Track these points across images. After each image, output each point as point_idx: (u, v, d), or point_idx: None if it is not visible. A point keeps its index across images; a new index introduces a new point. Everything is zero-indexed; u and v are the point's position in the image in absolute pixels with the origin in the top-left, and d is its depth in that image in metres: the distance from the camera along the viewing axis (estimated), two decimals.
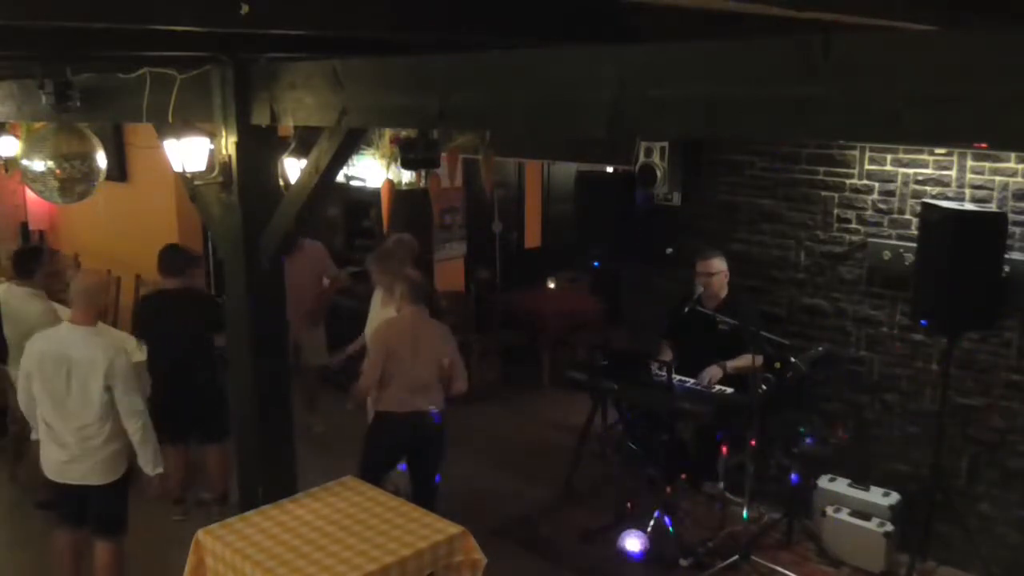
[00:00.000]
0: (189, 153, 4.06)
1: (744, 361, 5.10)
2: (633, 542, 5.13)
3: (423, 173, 7.13)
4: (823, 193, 5.26)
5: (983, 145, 4.31)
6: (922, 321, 4.62)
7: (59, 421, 4.25)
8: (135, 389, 4.31)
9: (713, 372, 5.22)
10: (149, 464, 4.35)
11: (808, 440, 5.19)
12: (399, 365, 4.75)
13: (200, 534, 3.88)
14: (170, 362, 5.39)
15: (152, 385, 5.42)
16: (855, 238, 5.17)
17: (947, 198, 4.75)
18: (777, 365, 4.92)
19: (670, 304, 5.60)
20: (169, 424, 5.41)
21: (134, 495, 5.77)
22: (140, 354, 6.44)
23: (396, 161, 6.53)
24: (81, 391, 4.19)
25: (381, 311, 5.36)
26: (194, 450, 5.72)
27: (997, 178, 4.62)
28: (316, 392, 6.90)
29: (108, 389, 4.19)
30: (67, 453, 4.26)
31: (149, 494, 4.48)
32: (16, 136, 6.28)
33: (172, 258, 5.55)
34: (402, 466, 5.10)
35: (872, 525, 4.90)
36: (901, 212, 4.99)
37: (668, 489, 5.22)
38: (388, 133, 6.74)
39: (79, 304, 4.27)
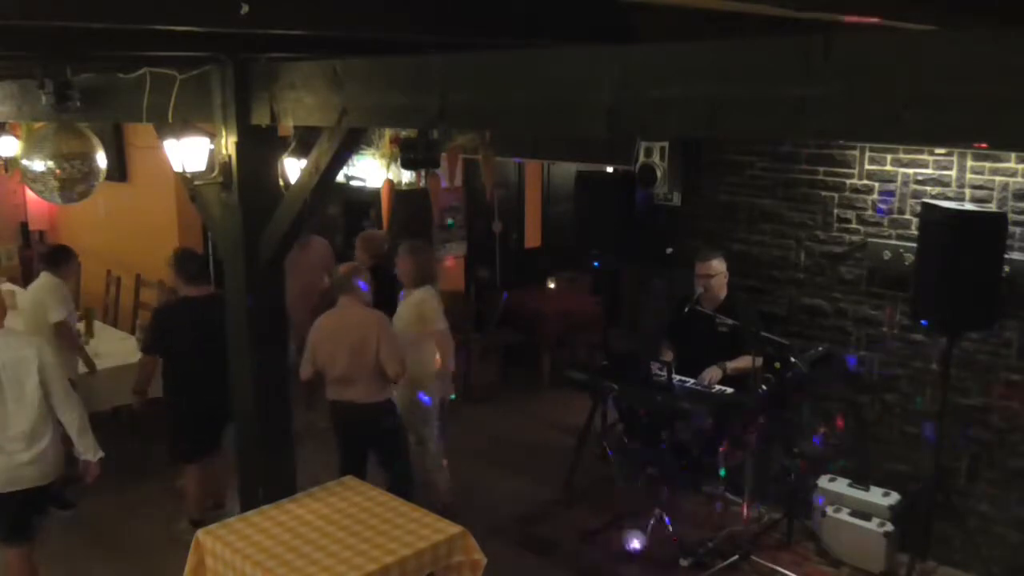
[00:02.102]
0: (189, 153, 4.06)
1: (744, 362, 5.11)
2: (633, 542, 5.13)
3: (423, 173, 7.12)
4: (823, 193, 5.27)
5: (983, 145, 4.30)
6: (922, 321, 4.62)
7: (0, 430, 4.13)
8: (66, 378, 4.30)
9: (713, 373, 5.22)
10: (91, 450, 4.29)
11: (814, 439, 5.19)
12: (325, 358, 4.94)
13: (200, 534, 3.88)
14: (200, 376, 5.03)
15: (174, 400, 5.25)
16: (855, 238, 5.17)
17: (947, 198, 4.75)
18: (777, 365, 4.92)
19: (670, 304, 5.60)
20: (197, 440, 5.26)
21: (140, 496, 5.83)
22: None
23: (396, 161, 6.54)
24: (18, 393, 4.11)
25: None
26: (208, 463, 5.46)
27: (997, 178, 4.63)
28: (316, 388, 6.88)
29: (43, 384, 4.14)
30: (15, 461, 4.13)
31: (88, 481, 4.40)
32: (16, 136, 6.29)
33: (192, 263, 5.32)
34: None
35: (872, 525, 4.90)
36: (901, 212, 4.99)
37: (668, 489, 5.22)
38: (388, 133, 6.74)
39: None
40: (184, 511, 5.41)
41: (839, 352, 5.25)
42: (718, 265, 5.33)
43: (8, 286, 7.63)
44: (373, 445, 5.09)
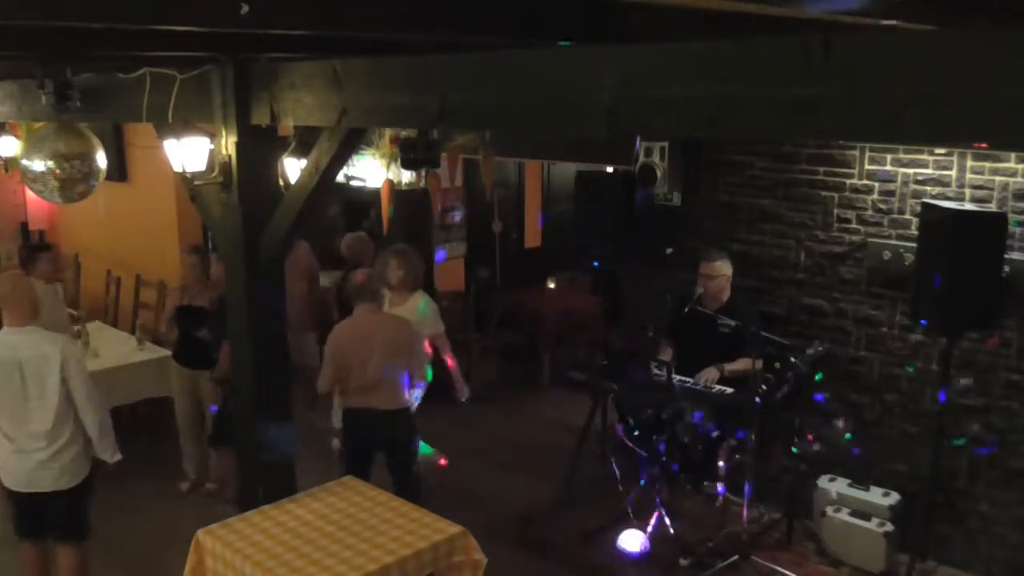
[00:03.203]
0: (189, 153, 4.05)
1: (742, 364, 5.11)
2: (633, 542, 5.13)
3: (423, 173, 7.11)
4: (823, 193, 5.27)
5: (983, 145, 4.31)
6: (922, 321, 4.62)
7: (21, 428, 4.15)
8: (89, 378, 4.28)
9: (710, 374, 5.21)
10: (108, 452, 4.32)
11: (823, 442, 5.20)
12: (352, 365, 4.80)
13: (200, 534, 3.88)
14: None
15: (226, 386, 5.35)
16: (855, 238, 5.17)
17: (947, 198, 4.75)
18: (777, 365, 4.92)
19: (670, 304, 5.60)
20: None
21: (140, 496, 5.83)
22: (143, 353, 6.46)
23: (396, 161, 6.53)
24: (39, 391, 4.11)
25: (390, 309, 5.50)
26: None
27: (997, 178, 4.63)
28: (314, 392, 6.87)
29: (64, 382, 4.13)
30: (33, 460, 4.16)
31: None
32: (16, 136, 6.28)
33: None
34: None
35: (872, 525, 4.90)
36: (901, 212, 4.99)
37: (668, 489, 5.22)
38: (388, 133, 6.74)
39: (9, 308, 4.19)
40: (220, 496, 5.64)
41: (839, 352, 5.25)
42: (722, 267, 5.32)
43: None
44: (388, 450, 4.98)
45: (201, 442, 5.99)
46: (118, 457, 4.36)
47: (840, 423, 5.19)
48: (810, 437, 5.12)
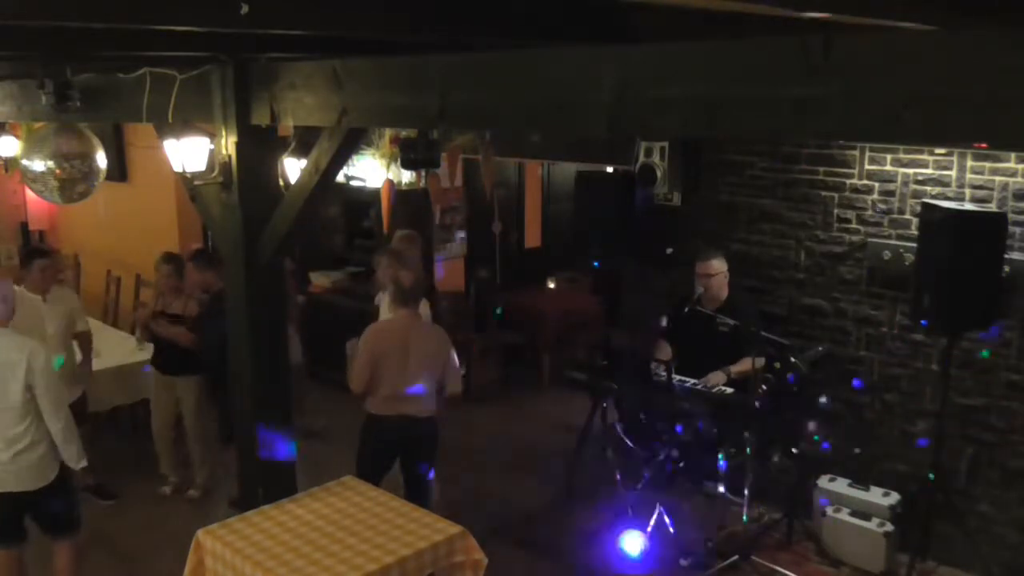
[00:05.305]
0: (189, 153, 4.05)
1: (747, 365, 5.10)
2: (633, 542, 5.12)
3: (423, 173, 7.12)
4: (823, 193, 5.27)
5: (983, 145, 4.32)
6: (922, 321, 4.62)
7: None
8: (56, 386, 4.20)
9: (718, 378, 5.21)
10: (74, 459, 4.24)
11: (825, 446, 5.18)
12: (388, 370, 4.67)
13: (200, 534, 3.88)
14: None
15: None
16: (855, 238, 5.17)
17: (947, 198, 4.75)
18: (777, 365, 4.92)
19: (670, 304, 5.60)
20: None
21: (142, 495, 5.84)
22: (143, 353, 6.46)
23: (396, 161, 6.54)
24: (2, 394, 4.07)
25: (387, 313, 5.39)
26: None
27: (997, 178, 4.63)
28: (303, 391, 6.86)
29: (28, 388, 4.07)
30: None
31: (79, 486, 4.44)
32: (16, 136, 6.28)
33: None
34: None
35: (872, 525, 4.90)
36: (901, 212, 4.99)
37: (668, 489, 5.21)
38: (388, 133, 6.75)
39: None
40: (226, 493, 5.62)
41: (839, 352, 5.25)
42: (718, 265, 5.33)
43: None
44: (408, 458, 4.87)
45: (176, 446, 5.98)
46: (84, 463, 4.27)
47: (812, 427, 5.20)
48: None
